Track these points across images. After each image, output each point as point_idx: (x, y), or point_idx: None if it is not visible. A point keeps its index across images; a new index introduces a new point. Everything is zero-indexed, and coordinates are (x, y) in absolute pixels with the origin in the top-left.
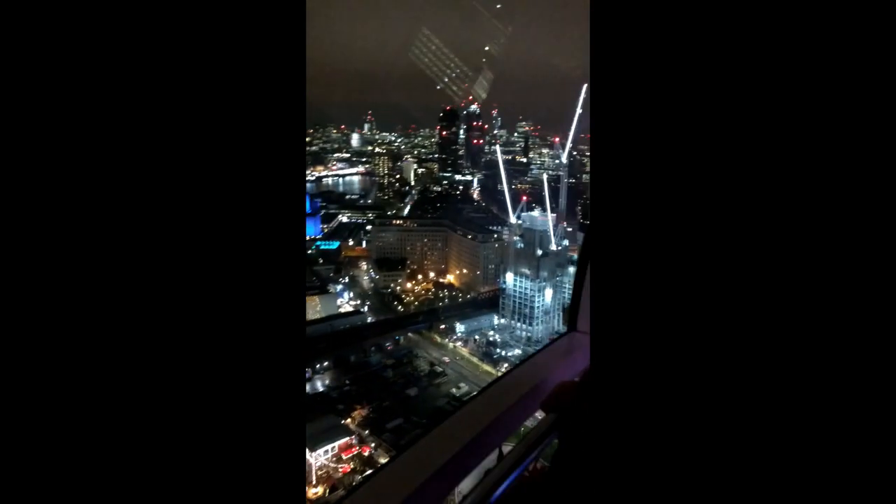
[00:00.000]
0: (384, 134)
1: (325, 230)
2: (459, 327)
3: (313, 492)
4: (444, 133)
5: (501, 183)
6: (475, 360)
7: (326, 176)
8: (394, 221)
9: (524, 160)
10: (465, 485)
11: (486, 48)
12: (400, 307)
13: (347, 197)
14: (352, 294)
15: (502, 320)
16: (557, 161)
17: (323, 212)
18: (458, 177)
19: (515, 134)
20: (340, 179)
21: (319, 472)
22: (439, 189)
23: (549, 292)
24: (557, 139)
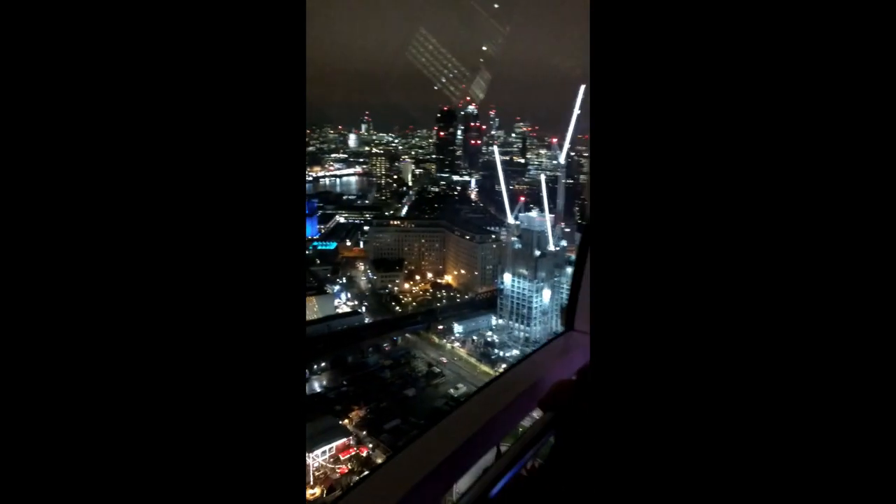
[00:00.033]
0: (381, 134)
1: (323, 231)
2: (457, 328)
3: (310, 493)
4: (442, 134)
5: (499, 183)
6: (473, 360)
7: (324, 176)
8: (391, 222)
9: (522, 161)
10: (464, 482)
11: (484, 48)
12: (398, 308)
13: (345, 197)
14: (349, 295)
15: (500, 321)
16: (555, 162)
17: (320, 212)
18: (455, 177)
19: (513, 134)
20: (338, 180)
21: (317, 473)
22: (437, 190)
23: (546, 293)
24: (555, 140)
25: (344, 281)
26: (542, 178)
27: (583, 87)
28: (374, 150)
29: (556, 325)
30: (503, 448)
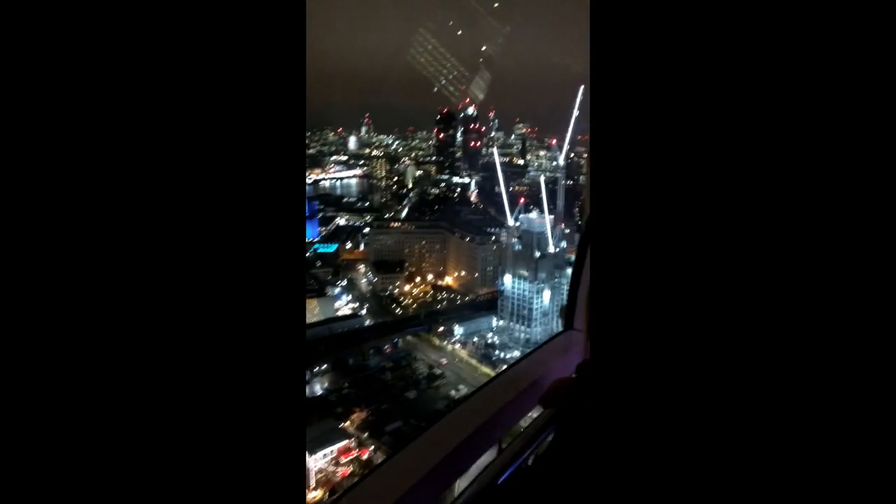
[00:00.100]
0: (381, 136)
1: (323, 233)
2: (458, 329)
3: (312, 496)
4: (442, 135)
5: (499, 185)
6: (474, 362)
7: (324, 179)
8: (392, 224)
9: (521, 162)
10: (465, 480)
11: (484, 48)
12: (398, 310)
13: (345, 200)
14: (350, 297)
15: (501, 322)
16: (555, 163)
17: (320, 215)
18: (455, 179)
19: (513, 136)
20: (338, 182)
21: (318, 476)
22: (437, 191)
23: (547, 294)
24: (555, 141)
25: (345, 283)
26: (542, 179)
27: (581, 88)
28: (374, 152)
29: (557, 326)
30: (504, 445)
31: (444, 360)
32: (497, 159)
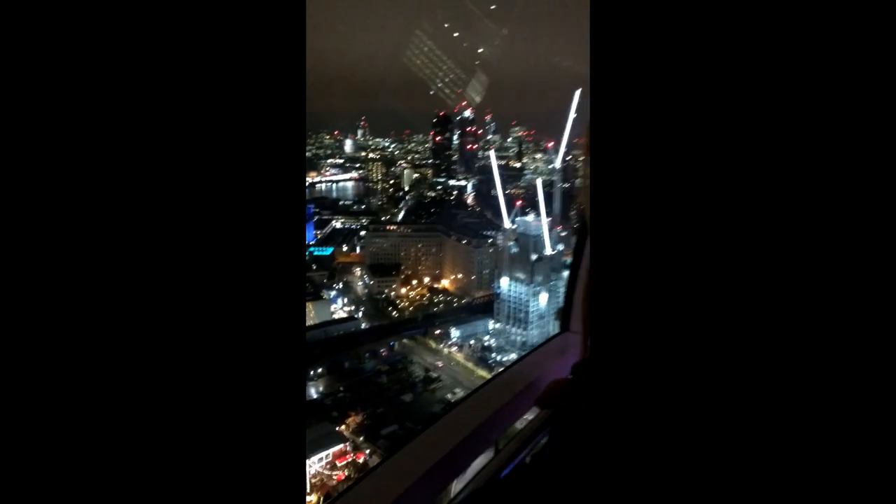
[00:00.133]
0: (378, 139)
1: (319, 236)
2: (454, 332)
3: (307, 500)
4: (438, 138)
5: (495, 188)
6: (470, 365)
7: (320, 182)
8: (388, 227)
9: (518, 165)
10: (462, 480)
11: (480, 51)
12: (395, 313)
13: (341, 203)
14: (346, 300)
15: (497, 325)
16: (551, 166)
17: (316, 218)
18: (452, 182)
19: (509, 139)
20: (334, 185)
21: (314, 480)
22: (433, 194)
23: (543, 296)
24: (551, 144)
25: (340, 286)
26: (539, 182)
27: (578, 91)
28: (371, 155)
29: (553, 329)
30: (501, 447)
31: (440, 363)
32: (494, 162)
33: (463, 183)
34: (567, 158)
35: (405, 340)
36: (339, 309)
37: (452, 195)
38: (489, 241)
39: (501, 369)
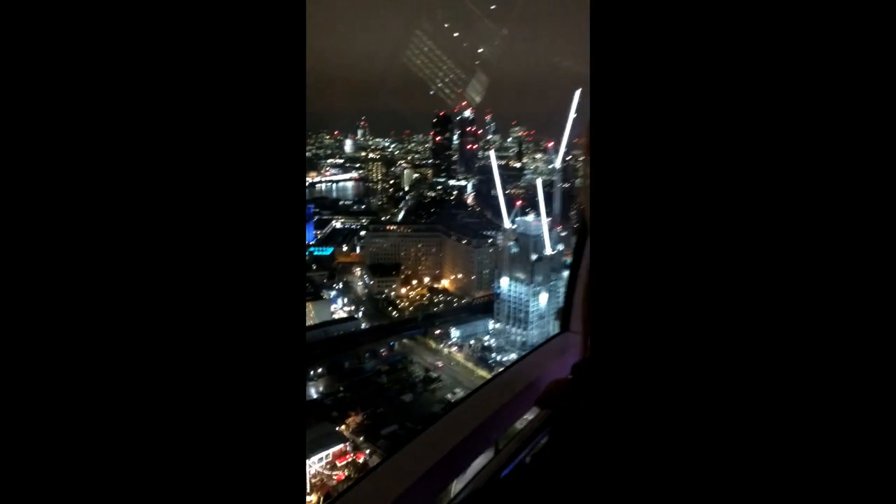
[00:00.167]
0: (378, 139)
1: (319, 236)
2: (454, 332)
3: (307, 500)
4: (438, 138)
5: (495, 188)
6: (470, 365)
7: (319, 182)
8: (388, 227)
9: (518, 165)
10: (462, 480)
11: (480, 51)
12: (394, 313)
13: (341, 203)
14: (346, 300)
15: (497, 325)
16: (551, 166)
17: (316, 218)
18: (452, 182)
19: (509, 139)
20: (334, 185)
21: (313, 480)
22: (433, 194)
23: (543, 296)
24: (551, 144)
25: (340, 286)
26: (539, 182)
27: (578, 92)
28: (371, 155)
29: (553, 329)
30: (501, 447)
31: (440, 363)
32: (494, 162)
33: (463, 183)
34: (567, 158)
35: (405, 340)
36: (339, 309)
37: (452, 195)
38: (489, 241)
39: (501, 369)
